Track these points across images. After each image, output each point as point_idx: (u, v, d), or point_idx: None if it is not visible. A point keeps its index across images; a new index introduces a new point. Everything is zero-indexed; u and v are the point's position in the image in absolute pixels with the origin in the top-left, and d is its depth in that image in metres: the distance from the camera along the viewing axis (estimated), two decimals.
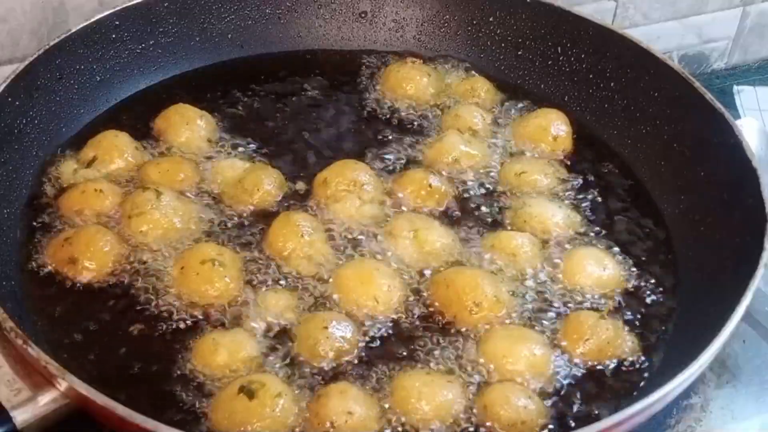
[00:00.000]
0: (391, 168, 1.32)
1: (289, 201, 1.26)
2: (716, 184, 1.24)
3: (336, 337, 1.05)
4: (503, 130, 1.41)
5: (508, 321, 1.11)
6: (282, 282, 1.14)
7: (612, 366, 1.08)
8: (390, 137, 1.38)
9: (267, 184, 1.25)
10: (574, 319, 1.11)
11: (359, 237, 1.20)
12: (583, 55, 1.46)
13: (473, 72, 1.51)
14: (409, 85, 1.45)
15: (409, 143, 1.37)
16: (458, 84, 1.48)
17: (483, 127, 1.39)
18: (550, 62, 1.49)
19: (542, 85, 1.49)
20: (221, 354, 1.03)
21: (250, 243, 1.19)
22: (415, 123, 1.41)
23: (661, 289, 1.19)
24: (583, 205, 1.29)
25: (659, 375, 1.06)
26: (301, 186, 1.28)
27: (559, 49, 1.48)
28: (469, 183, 1.31)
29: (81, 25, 1.34)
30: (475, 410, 1.01)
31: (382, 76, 1.48)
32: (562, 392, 1.05)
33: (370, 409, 0.98)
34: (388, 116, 1.43)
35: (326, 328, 1.05)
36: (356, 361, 1.06)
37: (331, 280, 1.14)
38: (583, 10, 1.51)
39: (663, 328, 1.14)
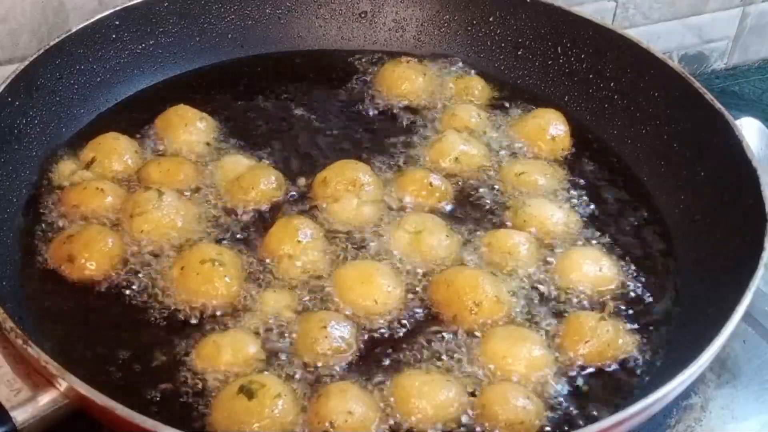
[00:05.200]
0: (390, 167, 1.33)
1: (289, 201, 1.26)
2: (716, 184, 1.24)
3: (335, 336, 1.05)
4: (502, 129, 1.41)
5: (508, 321, 1.11)
6: (282, 282, 1.14)
7: (612, 366, 1.08)
8: (389, 136, 1.38)
9: (264, 184, 1.25)
10: (575, 321, 1.10)
11: (359, 237, 1.20)
12: (583, 55, 1.46)
13: (468, 71, 1.51)
14: (405, 84, 1.46)
15: (408, 142, 1.37)
16: (453, 83, 1.48)
17: (480, 125, 1.39)
18: (549, 62, 1.49)
19: (542, 85, 1.49)
20: (221, 354, 1.03)
21: (250, 243, 1.19)
22: (413, 122, 1.42)
23: (660, 289, 1.19)
24: (583, 205, 1.29)
25: (659, 375, 1.06)
26: (300, 186, 1.28)
27: (559, 49, 1.48)
28: (469, 183, 1.31)
29: (81, 25, 1.34)
30: (474, 410, 1.01)
31: (378, 76, 1.49)
32: (562, 392, 1.05)
33: (370, 409, 0.98)
34: (386, 115, 1.43)
35: (325, 327, 1.05)
36: (356, 361, 1.06)
37: (331, 280, 1.14)
38: (583, 10, 1.51)
39: (663, 328, 1.14)
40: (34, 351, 0.93)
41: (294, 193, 1.27)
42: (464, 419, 1.00)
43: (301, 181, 1.29)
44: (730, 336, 1.00)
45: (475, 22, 1.53)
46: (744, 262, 1.08)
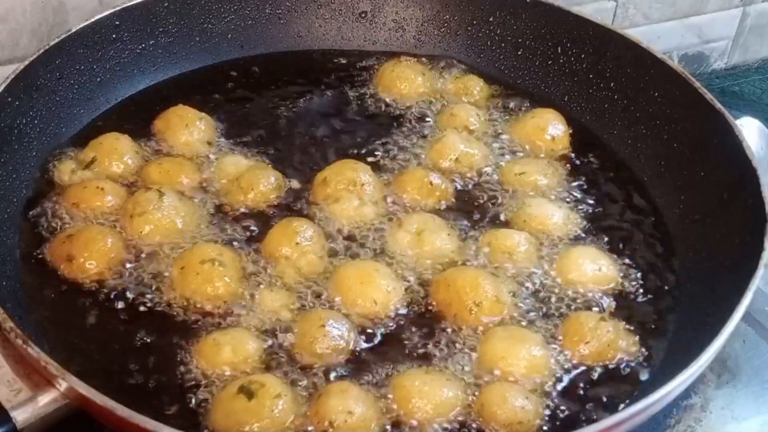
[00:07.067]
0: (390, 167, 1.32)
1: (289, 201, 1.26)
2: (716, 184, 1.24)
3: (333, 335, 1.05)
4: (502, 129, 1.41)
5: (508, 321, 1.11)
6: (281, 282, 1.14)
7: (612, 366, 1.08)
8: (388, 136, 1.38)
9: (263, 184, 1.25)
10: (575, 321, 1.10)
11: (359, 237, 1.20)
12: (583, 55, 1.46)
13: (468, 71, 1.51)
14: (404, 84, 1.46)
15: (408, 142, 1.37)
16: (452, 82, 1.49)
17: (479, 125, 1.39)
18: (550, 62, 1.49)
19: (542, 85, 1.49)
20: (222, 354, 1.03)
21: (250, 243, 1.19)
22: (412, 122, 1.42)
23: (660, 289, 1.19)
24: (583, 204, 1.29)
25: (659, 375, 1.06)
26: (300, 186, 1.28)
27: (559, 49, 1.48)
28: (469, 182, 1.31)
29: (81, 25, 1.34)
30: (473, 410, 1.01)
31: (377, 76, 1.49)
32: (561, 393, 1.05)
33: (369, 409, 0.98)
34: (385, 115, 1.43)
35: (323, 326, 1.05)
36: (356, 361, 1.06)
37: (331, 280, 1.13)
38: (583, 10, 1.51)
39: (663, 328, 1.14)
40: (34, 351, 0.93)
41: (293, 193, 1.27)
42: (463, 419, 1.00)
43: (301, 181, 1.29)
44: (730, 336, 1.00)
45: (475, 22, 1.53)
46: (744, 262, 1.08)
